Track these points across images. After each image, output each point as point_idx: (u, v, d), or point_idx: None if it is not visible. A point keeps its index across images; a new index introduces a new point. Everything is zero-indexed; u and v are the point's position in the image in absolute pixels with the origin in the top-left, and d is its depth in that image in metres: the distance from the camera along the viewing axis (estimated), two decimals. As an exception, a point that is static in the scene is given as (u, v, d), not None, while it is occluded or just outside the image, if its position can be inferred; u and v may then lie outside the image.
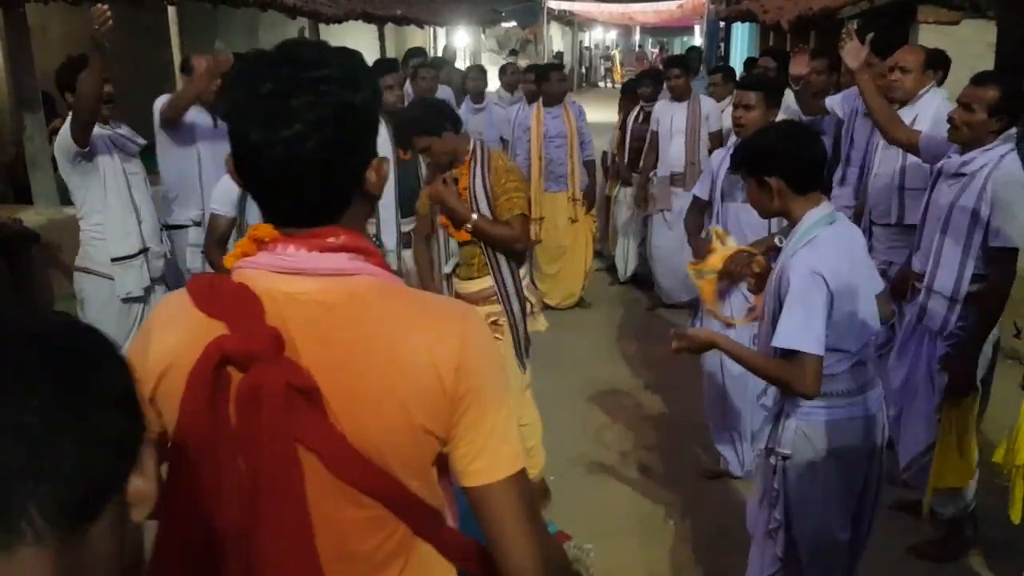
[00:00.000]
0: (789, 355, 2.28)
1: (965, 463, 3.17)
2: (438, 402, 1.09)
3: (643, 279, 7.12)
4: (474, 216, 3.37)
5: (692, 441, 4.24)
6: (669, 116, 6.14)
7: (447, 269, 3.63)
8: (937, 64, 4.11)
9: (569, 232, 6.59)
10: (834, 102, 4.85)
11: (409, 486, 1.11)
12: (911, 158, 3.76)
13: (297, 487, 1.05)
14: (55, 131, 5.23)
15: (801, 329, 2.25)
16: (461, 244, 3.50)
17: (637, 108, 6.99)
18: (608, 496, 3.91)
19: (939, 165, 3.31)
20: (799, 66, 5.87)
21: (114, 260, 3.74)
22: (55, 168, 3.49)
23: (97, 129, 3.68)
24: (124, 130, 3.89)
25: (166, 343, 1.11)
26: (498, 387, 1.15)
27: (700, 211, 4.06)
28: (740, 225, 3.67)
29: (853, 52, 3.71)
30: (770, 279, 2.49)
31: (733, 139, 3.86)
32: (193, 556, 1.09)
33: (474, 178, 3.37)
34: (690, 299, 5.31)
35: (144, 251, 3.83)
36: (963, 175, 3.16)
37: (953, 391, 3.15)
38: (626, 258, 7.20)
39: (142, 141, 3.96)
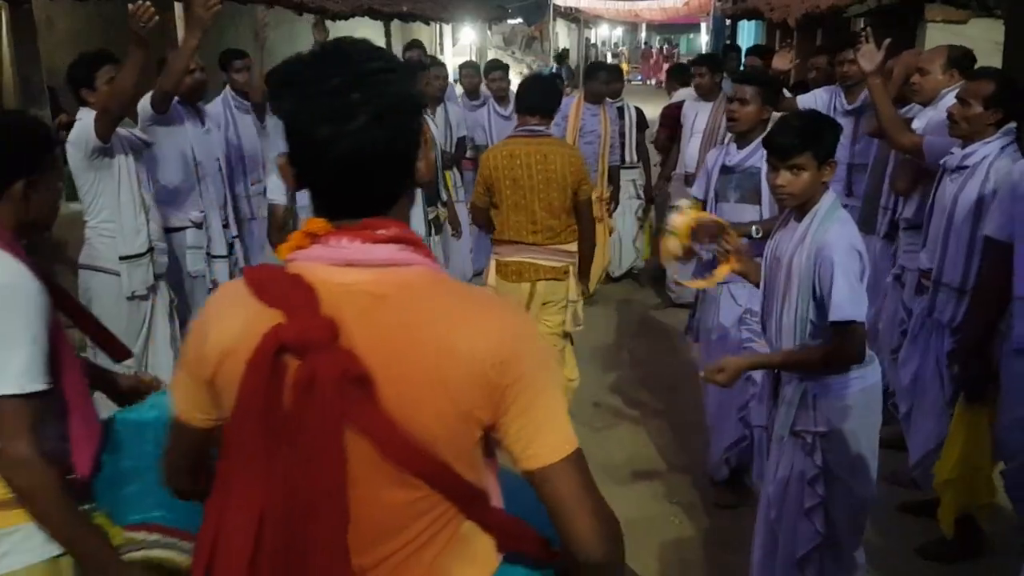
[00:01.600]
0: (839, 327, 2.44)
1: (977, 472, 3.12)
2: (484, 390, 1.13)
3: (636, 275, 7.13)
4: None
5: (696, 440, 4.23)
6: (693, 114, 5.96)
7: None
8: (965, 63, 4.03)
9: None
10: (805, 101, 4.89)
11: (456, 468, 1.15)
12: None
13: (339, 471, 1.10)
14: (61, 125, 5.23)
15: (853, 301, 2.42)
16: None
17: None
18: (612, 494, 3.88)
19: (942, 162, 3.34)
20: (782, 62, 5.94)
21: (123, 258, 3.72)
22: (64, 162, 3.44)
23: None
24: (134, 129, 3.88)
25: (225, 329, 1.17)
26: (545, 374, 1.19)
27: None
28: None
29: (869, 55, 3.73)
30: (778, 263, 2.62)
31: (728, 138, 3.81)
32: (244, 536, 1.12)
33: None
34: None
35: (151, 250, 3.81)
36: (965, 168, 3.21)
37: (966, 396, 3.11)
38: (620, 255, 7.14)
39: (150, 140, 3.95)
